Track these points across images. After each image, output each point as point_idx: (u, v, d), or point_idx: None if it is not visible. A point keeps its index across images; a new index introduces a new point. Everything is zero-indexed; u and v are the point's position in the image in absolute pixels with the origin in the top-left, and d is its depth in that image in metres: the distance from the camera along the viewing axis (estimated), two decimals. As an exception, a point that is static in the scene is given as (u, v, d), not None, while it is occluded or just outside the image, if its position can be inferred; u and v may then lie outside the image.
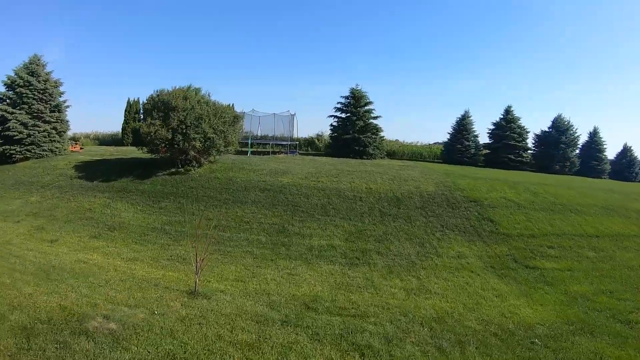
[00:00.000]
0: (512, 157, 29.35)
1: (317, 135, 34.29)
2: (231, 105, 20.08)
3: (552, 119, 32.00)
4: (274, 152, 27.26)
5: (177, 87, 18.19)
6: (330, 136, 30.15)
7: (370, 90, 53.22)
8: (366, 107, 28.31)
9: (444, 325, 6.81)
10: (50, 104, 22.05)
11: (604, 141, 32.58)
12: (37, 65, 22.00)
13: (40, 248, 10.26)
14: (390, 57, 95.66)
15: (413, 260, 10.59)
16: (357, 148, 26.56)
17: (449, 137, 31.44)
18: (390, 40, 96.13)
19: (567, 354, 6.07)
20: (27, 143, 20.83)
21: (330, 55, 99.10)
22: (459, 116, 31.21)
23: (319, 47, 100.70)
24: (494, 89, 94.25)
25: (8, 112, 20.31)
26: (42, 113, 21.40)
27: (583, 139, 32.72)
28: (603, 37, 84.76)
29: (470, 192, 15.40)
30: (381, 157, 28.13)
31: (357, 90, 28.45)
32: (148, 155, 18.73)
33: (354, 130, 26.98)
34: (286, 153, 27.90)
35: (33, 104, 21.01)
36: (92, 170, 18.50)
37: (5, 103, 20.95)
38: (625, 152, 34.04)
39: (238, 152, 24.55)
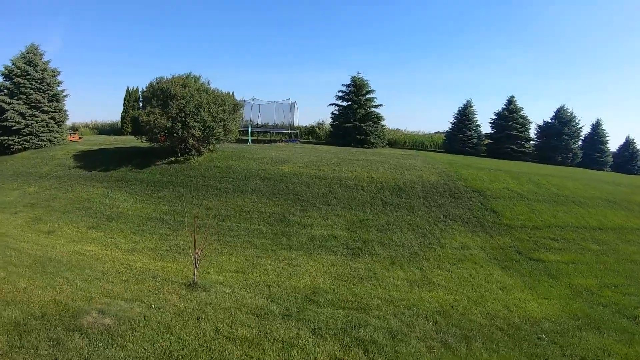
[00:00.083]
0: (515, 147, 28.99)
1: (318, 123, 33.93)
2: (231, 93, 19.70)
3: (554, 110, 31.68)
4: (274, 141, 26.97)
5: (176, 75, 17.86)
6: (331, 125, 29.75)
7: (372, 79, 52.53)
8: (367, 96, 27.84)
9: (448, 319, 6.66)
10: (48, 94, 21.72)
11: (606, 133, 32.13)
12: (34, 54, 21.58)
13: (37, 240, 10.09)
14: (391, 46, 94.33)
15: (416, 251, 10.43)
16: (358, 137, 26.22)
17: (451, 127, 30.96)
18: (391, 29, 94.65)
19: (574, 350, 5.93)
20: (25, 133, 20.59)
21: (331, 43, 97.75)
22: (461, 105, 30.73)
23: (320, 35, 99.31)
24: (497, 78, 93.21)
25: (5, 103, 20.02)
26: (40, 103, 21.08)
27: (586, 130, 32.33)
28: (606, 30, 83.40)
29: (473, 182, 15.15)
30: (382, 146, 27.77)
31: (359, 78, 27.91)
32: (147, 144, 18.48)
33: (355, 119, 26.61)
34: (287, 141, 27.62)
35: (31, 94, 20.68)
36: (90, 160, 18.28)
37: (2, 93, 20.64)
38: (628, 144, 33.59)
39: (238, 141, 24.28)
